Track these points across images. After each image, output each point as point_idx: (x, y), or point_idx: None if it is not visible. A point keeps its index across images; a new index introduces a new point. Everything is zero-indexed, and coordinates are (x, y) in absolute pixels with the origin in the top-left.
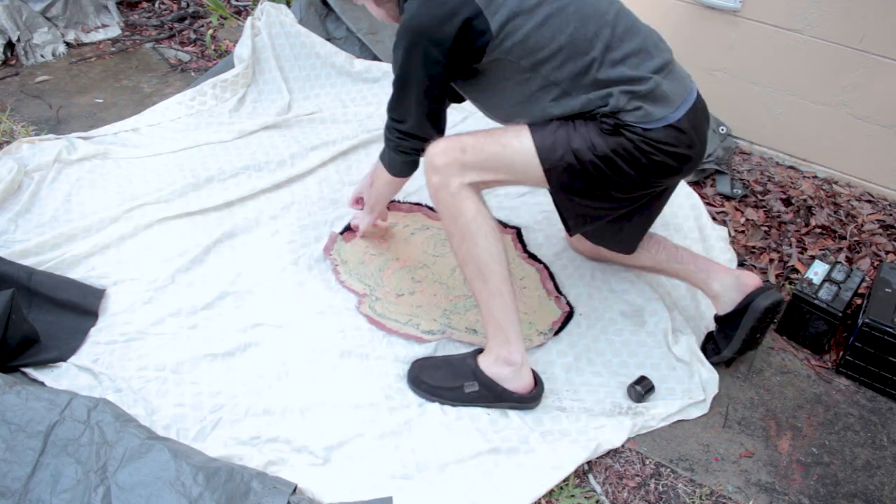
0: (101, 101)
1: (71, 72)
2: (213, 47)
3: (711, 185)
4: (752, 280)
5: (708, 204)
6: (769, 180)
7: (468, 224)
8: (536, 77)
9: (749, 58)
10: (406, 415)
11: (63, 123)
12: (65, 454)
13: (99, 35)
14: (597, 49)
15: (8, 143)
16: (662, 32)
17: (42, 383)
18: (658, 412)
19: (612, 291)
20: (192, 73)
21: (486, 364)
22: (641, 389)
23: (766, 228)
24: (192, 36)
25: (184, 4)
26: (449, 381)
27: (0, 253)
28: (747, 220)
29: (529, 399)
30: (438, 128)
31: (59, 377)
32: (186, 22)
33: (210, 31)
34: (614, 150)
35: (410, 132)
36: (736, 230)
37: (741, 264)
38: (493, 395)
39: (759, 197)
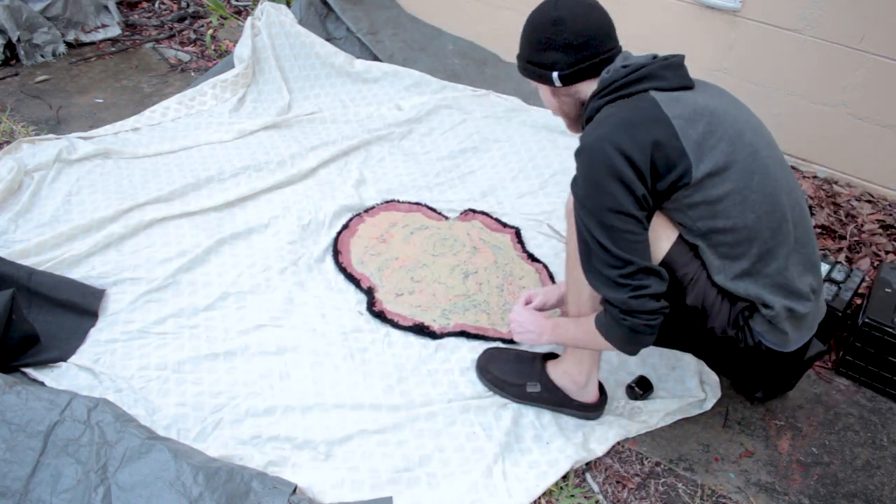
0: (101, 101)
1: (71, 72)
2: (213, 47)
3: None
4: None
5: None
6: None
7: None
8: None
9: (749, 58)
10: (408, 413)
11: (63, 123)
12: (65, 454)
13: (99, 35)
14: (785, 244)
15: (8, 142)
16: (661, 33)
17: (42, 383)
18: (656, 410)
19: None
20: (192, 73)
21: (555, 372)
22: (640, 389)
23: None
24: (192, 36)
25: (184, 4)
26: (513, 376)
27: (0, 253)
28: None
29: (591, 408)
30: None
31: (60, 377)
32: (186, 22)
33: (210, 31)
34: (724, 334)
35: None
36: None
37: None
38: (555, 400)
39: None
